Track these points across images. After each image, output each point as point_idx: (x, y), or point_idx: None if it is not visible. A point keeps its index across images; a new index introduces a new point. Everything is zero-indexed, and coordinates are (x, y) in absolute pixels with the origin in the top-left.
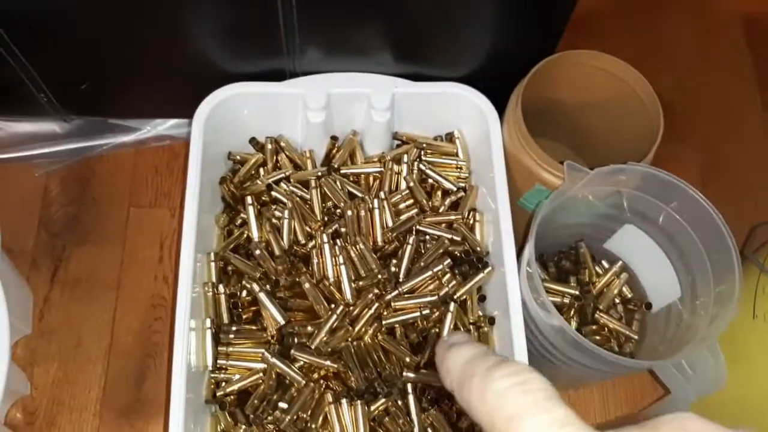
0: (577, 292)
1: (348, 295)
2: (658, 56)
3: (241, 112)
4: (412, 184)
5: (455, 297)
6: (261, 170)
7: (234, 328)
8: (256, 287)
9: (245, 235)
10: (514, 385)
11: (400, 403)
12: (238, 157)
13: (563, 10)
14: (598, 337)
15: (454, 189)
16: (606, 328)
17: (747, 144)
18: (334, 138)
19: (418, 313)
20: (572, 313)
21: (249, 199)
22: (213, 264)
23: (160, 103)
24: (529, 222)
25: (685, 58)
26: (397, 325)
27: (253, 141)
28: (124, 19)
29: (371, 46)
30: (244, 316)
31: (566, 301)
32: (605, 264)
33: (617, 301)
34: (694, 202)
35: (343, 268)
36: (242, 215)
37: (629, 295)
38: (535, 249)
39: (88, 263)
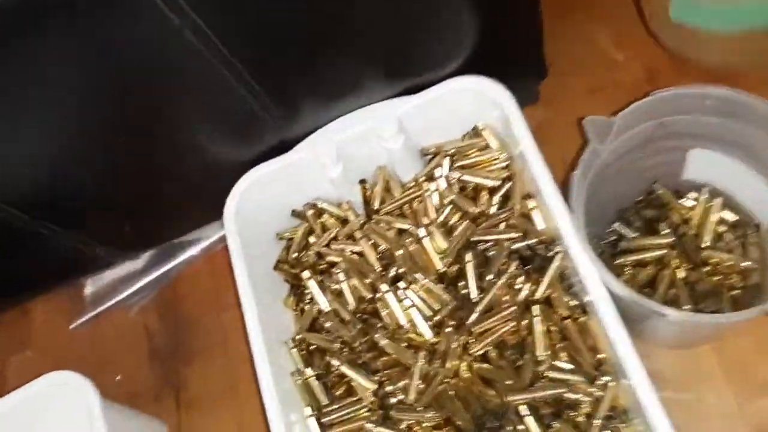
0: (670, 239)
1: (428, 335)
2: None
3: (266, 194)
4: (453, 196)
5: (537, 298)
6: (311, 238)
7: (335, 406)
8: (335, 362)
9: (316, 309)
10: None
11: (521, 427)
12: (287, 234)
13: None
14: (716, 278)
15: (498, 183)
16: (719, 266)
17: None
18: (362, 182)
19: (505, 328)
20: (676, 264)
21: (306, 274)
22: (294, 351)
23: (197, 216)
24: None
25: None
26: (488, 349)
27: (294, 213)
28: (137, 157)
29: (354, 81)
30: (338, 393)
31: (664, 252)
32: (692, 195)
33: (722, 230)
34: (743, 100)
35: (412, 311)
36: (307, 291)
37: (732, 219)
38: (607, 210)
39: (202, 380)
